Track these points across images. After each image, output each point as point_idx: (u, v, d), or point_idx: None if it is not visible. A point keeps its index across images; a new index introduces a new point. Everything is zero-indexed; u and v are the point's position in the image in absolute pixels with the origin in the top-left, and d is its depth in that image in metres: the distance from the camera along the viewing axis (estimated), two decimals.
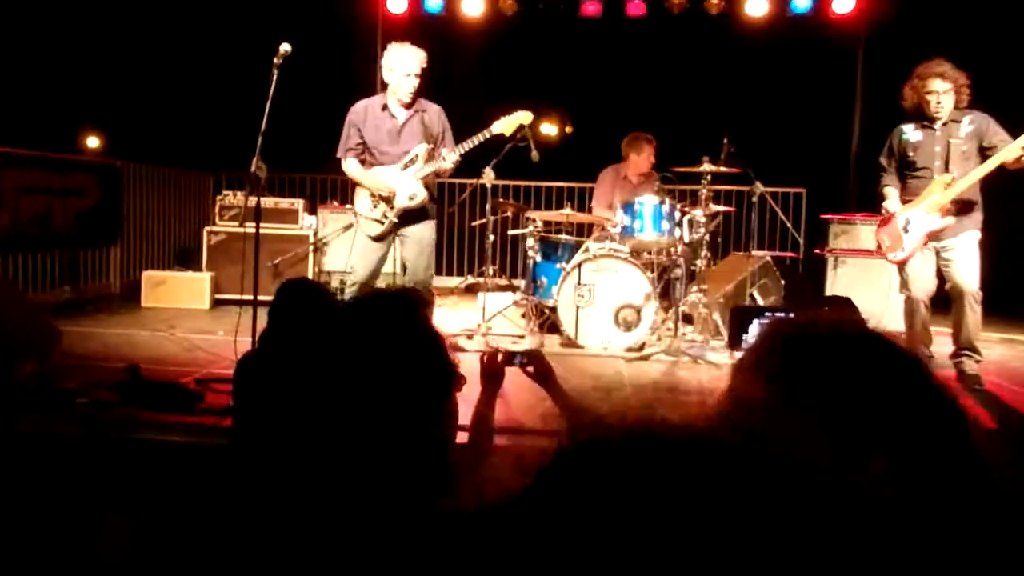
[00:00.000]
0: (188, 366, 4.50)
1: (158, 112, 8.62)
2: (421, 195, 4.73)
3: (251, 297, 4.05)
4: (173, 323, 5.93)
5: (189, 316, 6.37)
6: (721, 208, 6.16)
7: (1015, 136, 4.34)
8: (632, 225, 5.53)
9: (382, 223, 4.79)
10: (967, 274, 4.48)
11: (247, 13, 7.98)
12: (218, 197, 7.42)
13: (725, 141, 5.87)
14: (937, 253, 4.59)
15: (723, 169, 5.69)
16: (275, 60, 4.25)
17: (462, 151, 4.75)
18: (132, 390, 3.66)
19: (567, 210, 5.87)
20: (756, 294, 6.17)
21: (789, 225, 7.76)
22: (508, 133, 4.85)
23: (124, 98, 9.04)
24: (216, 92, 8.38)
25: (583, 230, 6.93)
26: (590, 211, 6.67)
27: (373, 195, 4.79)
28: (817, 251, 7.02)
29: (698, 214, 5.66)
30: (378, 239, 4.83)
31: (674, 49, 8.53)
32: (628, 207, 5.59)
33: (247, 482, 1.68)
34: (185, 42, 8.20)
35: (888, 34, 7.64)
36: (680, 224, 5.59)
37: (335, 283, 6.84)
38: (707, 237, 5.78)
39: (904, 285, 4.77)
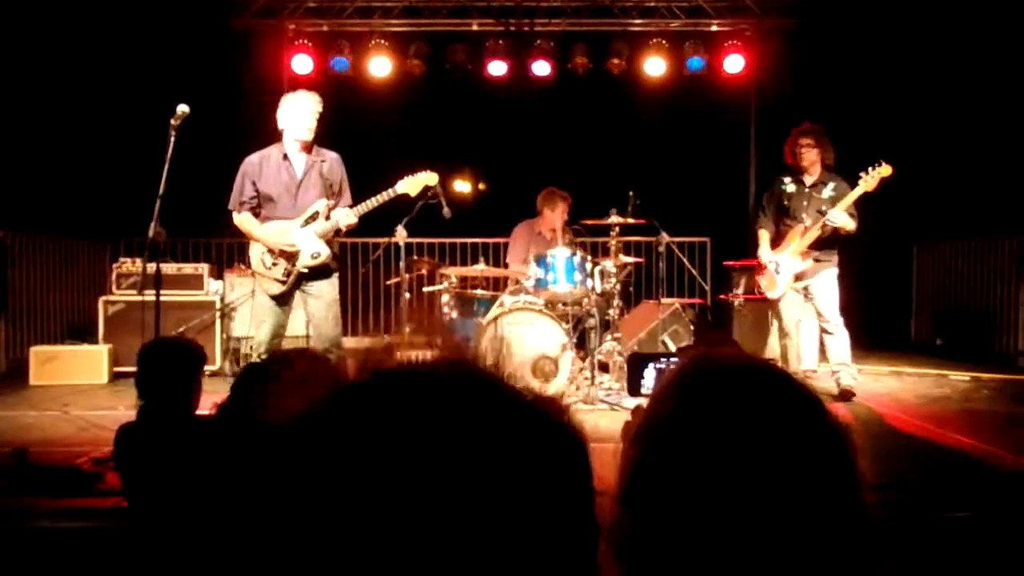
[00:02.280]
0: (84, 445, 4.22)
1: (47, 180, 8.26)
2: (325, 253, 4.59)
3: None
4: (67, 401, 5.57)
5: (85, 393, 6.00)
6: (631, 259, 6.31)
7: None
8: (546, 278, 5.59)
9: (283, 282, 4.58)
10: (828, 307, 5.44)
11: (145, 76, 7.80)
12: (115, 265, 7.09)
13: (631, 194, 6.06)
14: (805, 290, 5.50)
15: (630, 221, 5.86)
16: (172, 122, 4.15)
17: (363, 211, 4.63)
18: (18, 476, 3.40)
19: (481, 265, 5.89)
20: (668, 340, 6.31)
21: (695, 273, 8.02)
22: (413, 193, 4.80)
23: (9, 166, 8.65)
24: (112, 158, 8.10)
25: (498, 284, 6.97)
26: (506, 266, 6.72)
27: (271, 251, 4.58)
28: (722, 296, 7.26)
29: (609, 265, 5.78)
30: (279, 298, 4.62)
31: (579, 107, 8.81)
32: (541, 260, 5.65)
33: (149, 561, 1.58)
34: (76, 107, 7.91)
35: (777, 92, 8.12)
36: (592, 275, 5.69)
37: (244, 350, 6.62)
38: (618, 287, 5.90)
39: (777, 316, 5.74)
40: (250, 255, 4.74)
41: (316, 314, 4.66)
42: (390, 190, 4.71)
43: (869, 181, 5.27)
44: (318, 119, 4.62)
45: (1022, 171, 7.26)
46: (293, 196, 4.60)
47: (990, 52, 7.37)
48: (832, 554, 0.73)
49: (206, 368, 4.22)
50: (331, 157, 4.72)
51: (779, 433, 0.76)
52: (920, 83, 7.83)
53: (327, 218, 4.58)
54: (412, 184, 4.78)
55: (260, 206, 4.64)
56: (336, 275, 4.77)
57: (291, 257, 4.58)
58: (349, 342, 8.42)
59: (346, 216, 4.59)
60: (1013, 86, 7.24)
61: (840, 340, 5.47)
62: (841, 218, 5.25)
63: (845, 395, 5.40)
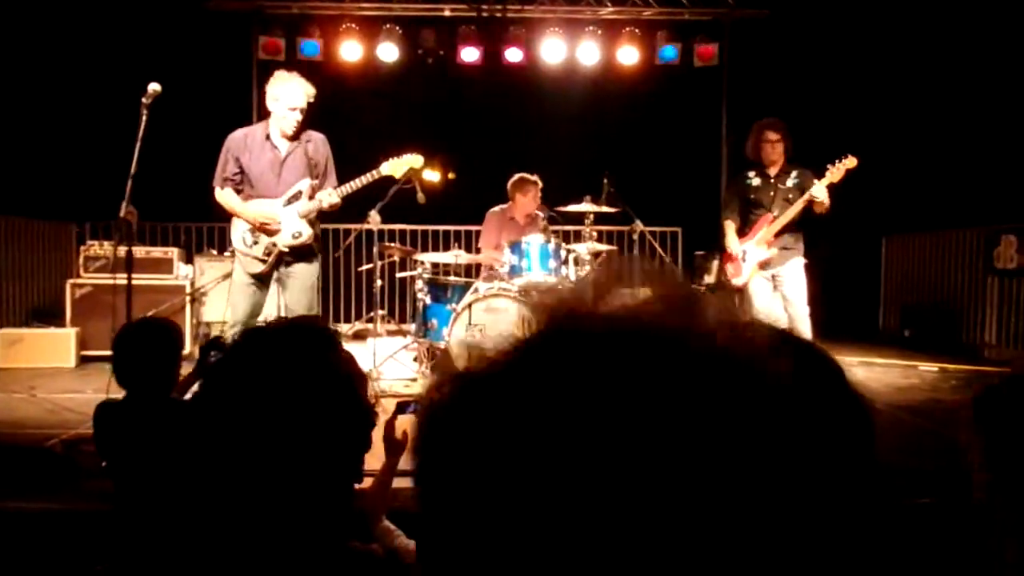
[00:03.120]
0: (54, 428, 4.15)
1: (11, 160, 8.07)
2: (307, 233, 4.54)
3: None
4: (33, 384, 5.48)
5: (52, 375, 5.91)
6: (604, 247, 6.34)
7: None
8: (520, 264, 5.61)
9: (264, 260, 4.52)
10: (796, 295, 5.55)
11: (112, 54, 7.64)
12: (82, 248, 6.97)
13: (605, 181, 6.09)
14: (774, 279, 5.60)
15: (605, 208, 5.88)
16: (144, 100, 4.07)
17: (346, 192, 4.59)
18: None
19: (456, 251, 5.88)
20: None
21: (668, 261, 8.08)
22: (398, 175, 4.77)
23: None
24: (78, 138, 7.93)
25: (471, 271, 6.96)
26: (478, 252, 6.71)
27: (253, 230, 4.51)
28: (693, 285, 7.33)
29: (583, 252, 5.80)
30: (258, 278, 4.55)
31: (552, 94, 8.80)
32: (515, 247, 5.66)
33: (136, 541, 1.56)
34: (42, 86, 7.73)
35: (747, 80, 8.21)
36: (566, 262, 5.71)
37: (216, 334, 6.54)
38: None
39: (747, 304, 5.77)
40: (231, 233, 4.67)
41: (292, 297, 4.60)
42: (374, 171, 4.68)
43: (835, 172, 5.39)
44: (306, 110, 4.53)
45: (989, 164, 7.42)
46: (276, 175, 4.53)
47: (959, 45, 7.50)
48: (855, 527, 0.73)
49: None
50: (316, 138, 4.65)
51: (807, 400, 0.76)
52: (889, 75, 7.96)
53: (310, 198, 4.53)
54: (397, 166, 4.74)
55: (243, 183, 4.57)
56: (317, 259, 4.72)
57: (272, 234, 4.51)
58: None
59: (329, 196, 4.54)
60: (982, 79, 7.39)
61: (805, 329, 5.52)
62: (821, 192, 5.33)
63: None
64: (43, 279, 7.65)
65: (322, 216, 4.72)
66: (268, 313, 4.60)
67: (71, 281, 6.77)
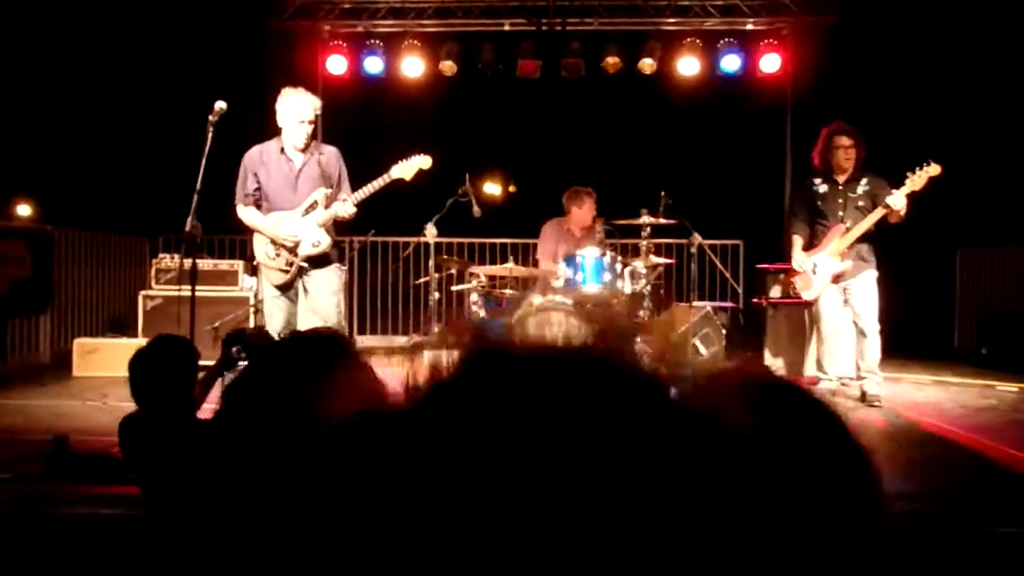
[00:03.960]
0: None
1: (92, 177, 8.47)
2: (325, 241, 4.63)
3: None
4: (106, 391, 5.70)
5: (124, 384, 6.09)
6: (661, 260, 6.26)
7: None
8: (575, 277, 5.58)
9: (286, 271, 4.63)
10: (867, 309, 5.33)
11: (184, 76, 7.95)
12: (154, 260, 7.25)
13: (663, 195, 6.01)
14: (844, 291, 5.39)
15: (662, 221, 5.81)
16: (210, 118, 4.22)
17: (360, 197, 4.65)
18: (59, 462, 3.48)
19: (510, 264, 5.89)
20: (699, 343, 6.25)
21: (728, 276, 7.92)
22: (408, 178, 4.75)
23: (56, 164, 8.87)
24: (154, 155, 8.28)
25: (526, 284, 6.96)
26: (535, 265, 6.71)
27: (274, 242, 4.64)
28: (755, 300, 7.16)
29: (639, 266, 5.74)
30: (284, 288, 4.66)
31: (611, 107, 8.77)
32: (570, 260, 5.64)
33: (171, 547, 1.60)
34: (118, 105, 8.10)
35: (813, 91, 8.00)
36: (622, 276, 5.66)
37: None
38: (649, 288, 5.86)
39: (816, 319, 5.62)
40: (254, 248, 4.80)
41: (318, 303, 4.68)
42: (385, 176, 4.71)
43: (917, 180, 5.14)
44: (315, 122, 4.65)
45: None
46: (292, 188, 4.64)
47: None
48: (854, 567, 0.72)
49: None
50: (329, 151, 4.75)
51: (795, 449, 0.75)
52: (962, 83, 7.67)
53: (326, 207, 4.62)
54: (406, 168, 4.75)
55: (262, 198, 4.69)
56: (337, 265, 4.80)
57: (293, 248, 4.62)
58: (375, 341, 8.52)
59: (344, 205, 4.62)
60: None
61: (874, 345, 5.36)
62: (900, 201, 5.10)
63: (871, 401, 5.31)
64: (119, 291, 8.01)
65: (379, 229, 4.79)
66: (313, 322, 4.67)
67: (143, 293, 7.04)
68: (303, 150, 4.67)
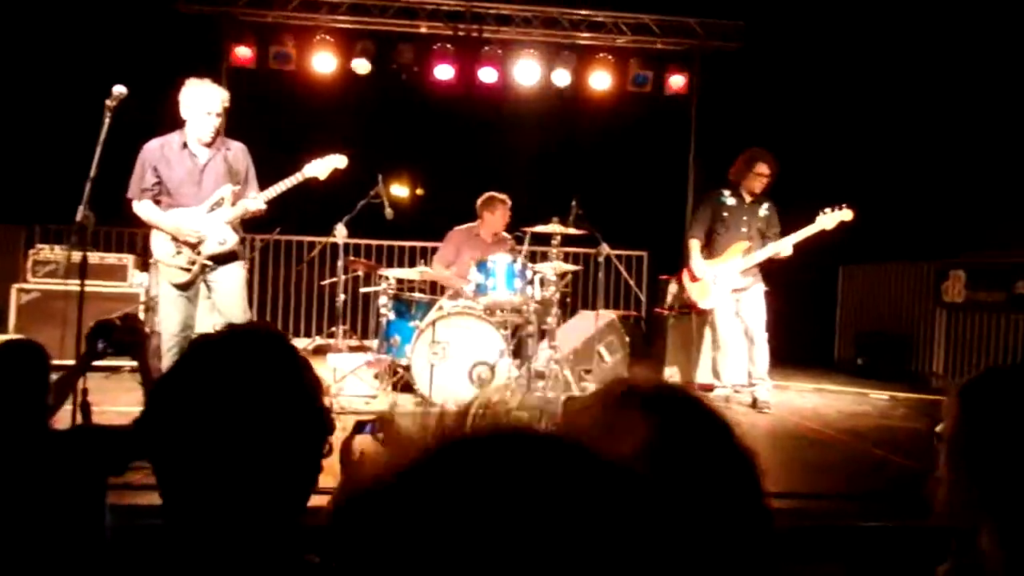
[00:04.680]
0: None
1: None
2: (232, 239, 4.48)
3: (73, 361, 3.68)
4: None
5: None
6: (570, 267, 6.36)
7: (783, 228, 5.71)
8: (485, 283, 5.59)
9: (188, 270, 4.43)
10: (757, 320, 5.66)
11: (79, 56, 7.50)
12: (31, 251, 6.75)
13: (574, 204, 6.11)
14: (737, 303, 5.72)
15: (572, 230, 5.91)
16: (108, 103, 3.99)
17: (270, 195, 4.52)
18: None
19: (422, 267, 5.86)
20: (603, 351, 6.38)
21: (633, 285, 8.13)
22: (322, 177, 4.65)
23: None
24: (31, 139, 7.72)
25: (436, 289, 6.93)
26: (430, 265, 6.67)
27: (176, 239, 4.43)
28: (657, 309, 7.38)
29: (549, 273, 5.81)
30: (184, 287, 4.46)
31: (524, 115, 8.84)
32: (482, 266, 5.65)
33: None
34: None
35: (717, 111, 8.34)
36: (532, 283, 5.72)
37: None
38: (557, 295, 5.94)
39: (713, 328, 5.88)
40: (151, 244, 4.57)
41: (224, 301, 4.52)
42: (298, 174, 4.59)
43: (828, 221, 5.51)
44: (222, 115, 4.45)
45: (940, 199, 7.64)
46: (196, 183, 4.45)
47: (917, 81, 7.72)
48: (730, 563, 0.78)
49: (128, 364, 4.00)
50: (236, 146, 4.58)
51: (689, 452, 0.81)
52: (851, 111, 8.15)
53: (233, 204, 4.46)
54: (321, 167, 4.64)
55: (161, 193, 4.47)
56: (242, 262, 4.66)
57: (196, 245, 4.44)
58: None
59: (254, 201, 4.48)
60: (938, 114, 7.60)
61: (763, 354, 5.70)
62: (790, 250, 5.58)
63: (761, 407, 5.63)
64: None
65: (285, 228, 4.66)
66: (216, 321, 4.49)
67: (17, 286, 6.53)
68: (209, 144, 4.47)
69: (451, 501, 0.49)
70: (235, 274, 4.56)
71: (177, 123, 4.53)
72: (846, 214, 5.48)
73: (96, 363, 2.62)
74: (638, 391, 0.87)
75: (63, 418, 2.79)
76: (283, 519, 1.10)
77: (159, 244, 4.50)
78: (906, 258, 8.09)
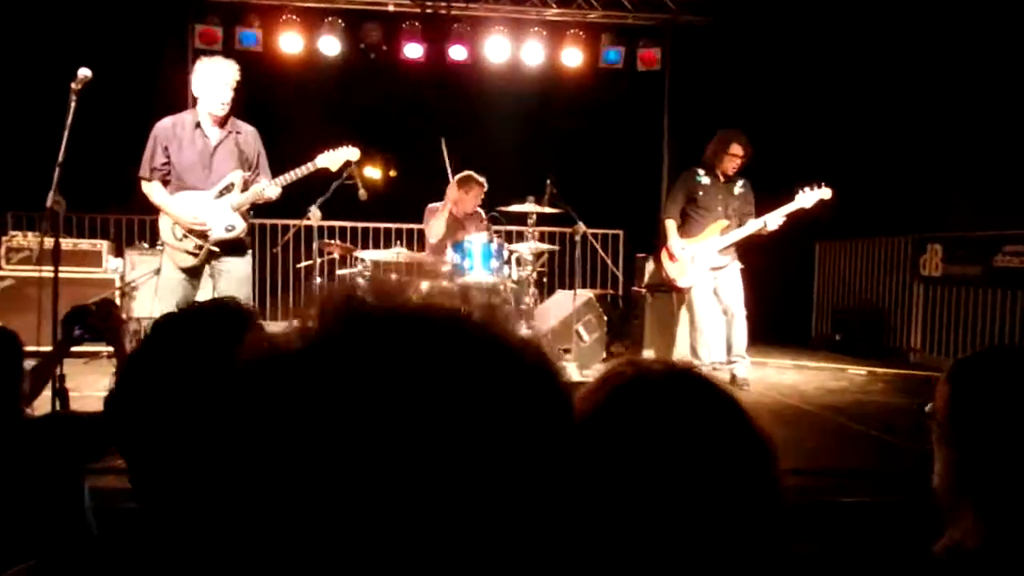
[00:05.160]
0: None
1: None
2: (240, 226, 4.43)
3: (49, 348, 3.62)
4: None
5: None
6: (546, 247, 6.35)
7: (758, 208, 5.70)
8: (462, 263, 5.57)
9: (195, 254, 4.39)
10: (734, 298, 5.67)
11: (41, 39, 7.31)
12: (4, 239, 6.66)
13: (548, 183, 6.09)
14: (714, 280, 5.70)
15: (547, 209, 5.89)
16: (73, 86, 3.90)
17: (283, 183, 4.49)
18: None
19: (399, 249, 5.81)
20: (581, 330, 6.39)
21: (610, 263, 8.14)
22: (334, 168, 4.66)
23: None
24: (1, 125, 7.56)
25: (411, 270, 6.88)
26: (422, 249, 6.64)
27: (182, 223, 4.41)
28: (634, 288, 7.40)
29: (525, 252, 5.80)
30: (190, 272, 4.42)
31: (496, 94, 8.77)
32: (458, 246, 5.62)
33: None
34: None
35: (690, 87, 8.32)
36: (508, 262, 5.70)
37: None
38: (534, 275, 5.93)
39: (690, 308, 5.90)
40: (160, 225, 4.52)
41: (226, 291, 4.45)
42: (310, 164, 4.57)
43: (807, 198, 5.52)
44: (234, 91, 4.42)
45: (916, 173, 7.68)
46: (207, 166, 4.41)
47: (893, 52, 7.72)
48: (749, 544, 0.78)
49: (106, 349, 3.97)
50: (248, 129, 4.54)
51: (700, 435, 0.80)
52: (825, 83, 8.16)
53: (243, 190, 4.41)
54: (333, 159, 4.63)
55: (170, 175, 4.42)
56: (250, 253, 4.62)
57: (202, 233, 4.40)
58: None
59: (269, 187, 4.43)
60: (915, 88, 7.62)
61: (742, 331, 5.71)
62: (777, 223, 5.54)
63: (740, 384, 5.65)
64: None
65: (259, 211, 4.61)
66: None
67: None
68: (221, 124, 4.42)
69: (333, 374, 0.51)
70: (240, 265, 4.52)
71: (148, 106, 4.45)
72: (825, 193, 5.51)
73: (74, 349, 2.59)
74: (647, 375, 0.85)
75: (42, 405, 2.75)
76: None
77: (166, 226, 4.46)
78: (883, 233, 8.12)
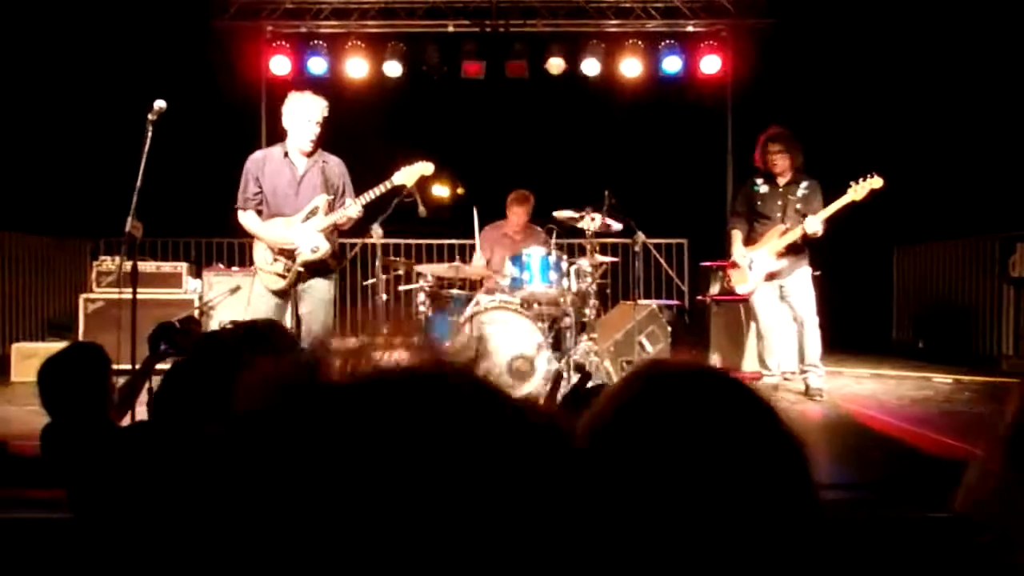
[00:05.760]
0: None
1: (29, 179, 8.22)
2: (324, 247, 4.64)
3: (129, 366, 3.84)
4: None
5: None
6: (606, 259, 6.33)
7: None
8: (521, 277, 5.60)
9: (284, 276, 4.65)
10: (803, 305, 5.51)
11: (125, 74, 7.78)
12: (95, 263, 7.10)
13: (607, 194, 6.08)
14: (780, 289, 5.56)
15: (607, 221, 5.87)
16: (149, 117, 4.15)
17: (364, 201, 4.69)
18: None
19: (457, 263, 5.90)
20: (645, 341, 6.32)
21: (672, 274, 8.05)
22: (410, 183, 4.79)
23: None
24: (93, 155, 8.07)
25: (474, 284, 6.97)
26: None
27: (272, 248, 4.68)
28: (700, 298, 7.29)
29: (584, 264, 5.79)
30: (279, 294, 4.68)
31: (555, 108, 8.83)
32: (516, 259, 5.66)
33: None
34: (55, 105, 7.88)
35: (753, 91, 8.17)
36: (568, 275, 5.70)
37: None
38: (594, 287, 5.91)
39: (754, 317, 5.80)
40: (254, 251, 4.84)
41: (309, 312, 4.69)
42: (387, 182, 4.75)
43: (859, 191, 5.31)
44: (322, 124, 4.67)
45: (999, 170, 7.32)
46: (295, 193, 4.68)
47: (968, 51, 7.42)
48: (785, 555, 0.74)
49: None
50: (333, 160, 4.80)
51: (728, 437, 0.77)
52: (898, 82, 7.89)
53: (327, 213, 4.64)
54: (409, 174, 4.79)
55: (263, 203, 4.71)
56: (334, 275, 4.85)
57: (291, 254, 4.64)
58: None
59: (352, 207, 4.65)
60: (991, 86, 7.29)
61: (814, 340, 5.52)
62: (816, 226, 5.35)
63: (813, 395, 5.47)
64: (60, 295, 7.82)
65: (348, 223, 4.81)
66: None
67: (84, 296, 6.87)
68: (309, 154, 4.70)
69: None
70: (323, 285, 4.73)
71: (220, 134, 4.70)
72: (876, 182, 5.29)
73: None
74: (668, 372, 0.83)
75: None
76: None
77: (259, 252, 4.76)
78: (964, 234, 7.74)
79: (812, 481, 0.77)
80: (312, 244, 4.61)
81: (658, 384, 0.81)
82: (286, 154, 4.70)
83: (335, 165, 4.77)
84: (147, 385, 2.99)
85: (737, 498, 0.73)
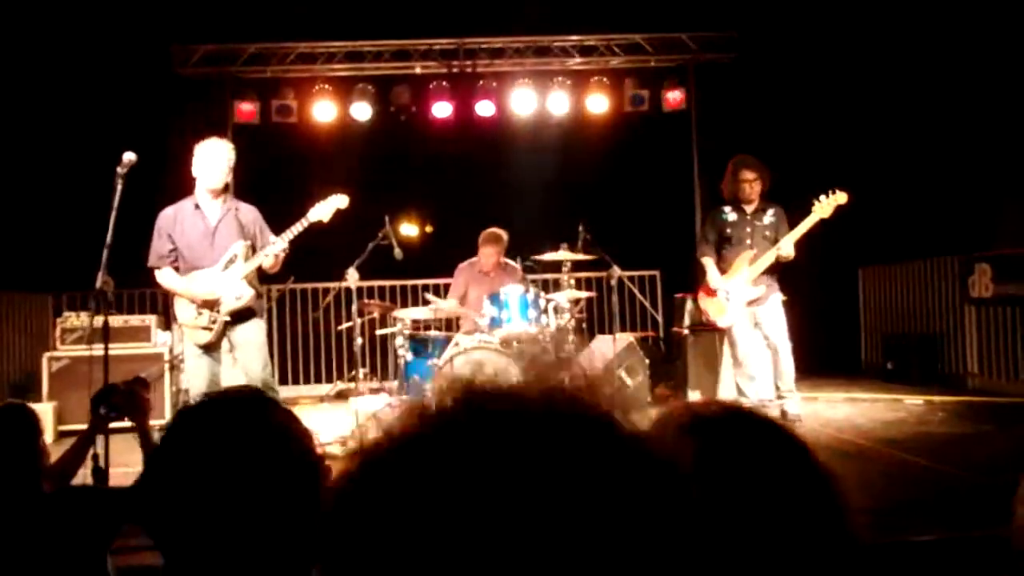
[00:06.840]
0: None
1: None
2: (248, 294, 4.55)
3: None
4: None
5: None
6: (583, 294, 6.36)
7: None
8: (500, 316, 5.60)
9: (210, 329, 4.52)
10: (776, 331, 5.55)
11: (88, 125, 7.67)
12: (59, 320, 6.90)
13: (581, 229, 6.13)
14: (754, 316, 5.60)
15: (582, 256, 5.92)
16: (119, 170, 4.07)
17: (288, 238, 4.59)
18: None
19: (433, 305, 5.88)
20: (623, 374, 6.35)
21: (648, 306, 8.11)
22: (326, 219, 4.71)
23: None
24: (51, 211, 7.90)
25: (451, 325, 6.94)
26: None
27: (195, 301, 4.55)
28: (675, 329, 7.34)
29: (562, 300, 5.81)
30: (209, 348, 4.55)
31: (525, 145, 8.90)
32: (494, 298, 5.66)
33: None
34: (13, 159, 7.72)
35: (717, 124, 8.33)
36: (546, 311, 5.72)
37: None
38: (573, 322, 5.93)
39: (732, 345, 5.79)
40: (175, 309, 4.72)
41: (244, 357, 4.59)
42: (303, 220, 4.65)
43: (825, 208, 5.40)
44: (231, 167, 4.59)
45: (958, 191, 7.48)
46: (210, 244, 4.57)
47: (925, 74, 7.60)
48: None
49: (155, 423, 4.05)
50: (245, 207, 4.70)
51: (774, 476, 0.79)
52: (857, 108, 8.07)
53: (247, 259, 4.55)
54: (324, 210, 4.71)
55: (179, 259, 4.60)
56: (261, 319, 4.74)
57: (214, 305, 4.53)
58: (304, 390, 8.32)
59: (273, 246, 4.55)
60: (948, 108, 7.48)
61: (788, 364, 5.58)
62: (790, 248, 5.44)
63: (791, 421, 5.45)
64: (20, 352, 7.53)
65: (299, 276, 4.72)
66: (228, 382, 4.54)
67: (48, 354, 6.66)
68: (219, 197, 4.59)
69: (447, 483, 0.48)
70: (254, 331, 4.63)
71: (187, 184, 4.63)
72: (841, 197, 5.39)
73: (120, 425, 2.65)
74: (703, 417, 0.84)
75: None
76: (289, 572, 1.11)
77: (181, 308, 4.62)
78: (926, 255, 7.86)
79: (844, 513, 0.81)
80: (236, 292, 4.52)
81: (703, 430, 0.83)
82: (196, 206, 4.59)
83: (248, 211, 4.68)
84: (91, 451, 2.89)
85: (788, 530, 0.76)
